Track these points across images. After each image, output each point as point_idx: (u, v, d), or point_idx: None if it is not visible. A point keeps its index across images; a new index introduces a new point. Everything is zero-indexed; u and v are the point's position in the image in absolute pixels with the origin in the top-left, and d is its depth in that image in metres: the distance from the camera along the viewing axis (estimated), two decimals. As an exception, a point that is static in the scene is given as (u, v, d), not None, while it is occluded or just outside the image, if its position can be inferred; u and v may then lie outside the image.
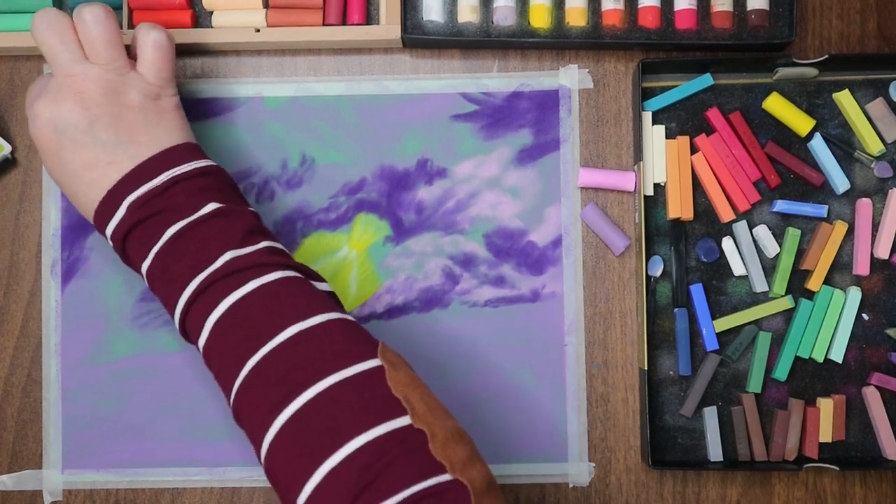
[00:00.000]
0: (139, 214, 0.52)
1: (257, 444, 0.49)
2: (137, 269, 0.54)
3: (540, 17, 0.66)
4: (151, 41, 0.56)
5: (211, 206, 0.53)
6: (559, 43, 0.67)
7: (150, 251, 0.53)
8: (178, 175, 0.53)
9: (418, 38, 0.66)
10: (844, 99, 0.66)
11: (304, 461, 0.46)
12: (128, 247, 0.54)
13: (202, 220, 0.52)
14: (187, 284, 0.51)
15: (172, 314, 0.53)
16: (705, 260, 0.66)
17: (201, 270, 0.51)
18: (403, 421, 0.46)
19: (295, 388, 0.47)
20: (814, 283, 0.66)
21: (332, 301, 0.53)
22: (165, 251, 0.52)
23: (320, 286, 0.54)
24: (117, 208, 0.53)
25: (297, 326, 0.49)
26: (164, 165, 0.53)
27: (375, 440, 0.45)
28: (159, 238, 0.52)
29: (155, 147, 0.54)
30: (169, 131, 0.55)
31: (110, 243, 0.55)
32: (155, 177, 0.53)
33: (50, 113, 0.53)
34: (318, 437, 0.46)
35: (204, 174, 0.54)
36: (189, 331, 0.53)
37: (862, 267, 0.66)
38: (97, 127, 0.53)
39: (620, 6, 0.66)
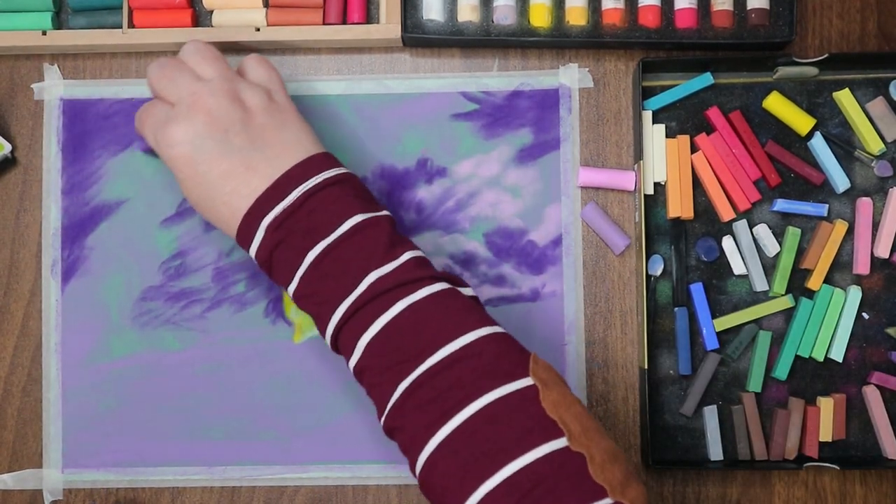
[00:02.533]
0: (278, 236, 0.53)
1: (412, 460, 0.50)
2: (285, 289, 0.55)
3: (540, 16, 0.66)
4: (253, 57, 0.59)
5: (349, 223, 0.52)
6: (559, 42, 0.67)
7: (294, 275, 0.53)
8: (311, 188, 0.53)
9: (418, 38, 0.66)
10: (845, 98, 0.66)
11: (462, 481, 0.47)
12: (273, 269, 0.54)
13: (342, 240, 0.52)
14: (335, 309, 0.52)
15: (323, 334, 0.54)
16: (705, 259, 0.66)
17: (347, 294, 0.51)
18: (561, 443, 0.47)
19: (449, 408, 0.48)
20: (814, 283, 0.65)
21: (479, 311, 0.53)
22: (309, 276, 0.52)
23: (466, 292, 0.54)
24: (256, 230, 0.53)
25: (448, 348, 0.49)
26: (297, 180, 0.53)
27: (534, 463, 0.46)
28: (301, 262, 0.52)
29: (287, 152, 0.54)
30: (297, 136, 0.55)
31: (257, 264, 0.56)
32: (288, 193, 0.53)
33: (184, 133, 0.54)
34: (476, 457, 0.47)
35: (336, 183, 0.54)
36: (341, 350, 0.53)
37: (862, 266, 0.66)
38: (231, 134, 0.54)
39: (621, 5, 0.66)
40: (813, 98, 0.67)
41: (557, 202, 0.67)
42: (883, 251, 0.65)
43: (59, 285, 0.67)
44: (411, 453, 0.50)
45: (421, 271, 0.52)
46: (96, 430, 0.66)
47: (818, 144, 0.66)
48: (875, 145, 0.66)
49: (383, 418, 0.51)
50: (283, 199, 0.53)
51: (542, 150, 0.67)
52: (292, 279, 0.53)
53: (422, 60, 0.68)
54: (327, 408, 0.66)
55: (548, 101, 0.68)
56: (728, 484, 0.66)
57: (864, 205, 0.66)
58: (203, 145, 0.54)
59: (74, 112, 0.68)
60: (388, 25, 0.65)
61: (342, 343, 0.53)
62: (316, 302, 0.53)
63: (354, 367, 0.52)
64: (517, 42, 0.67)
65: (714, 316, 0.66)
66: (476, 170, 0.67)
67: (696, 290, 0.65)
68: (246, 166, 0.54)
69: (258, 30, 0.66)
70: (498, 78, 0.68)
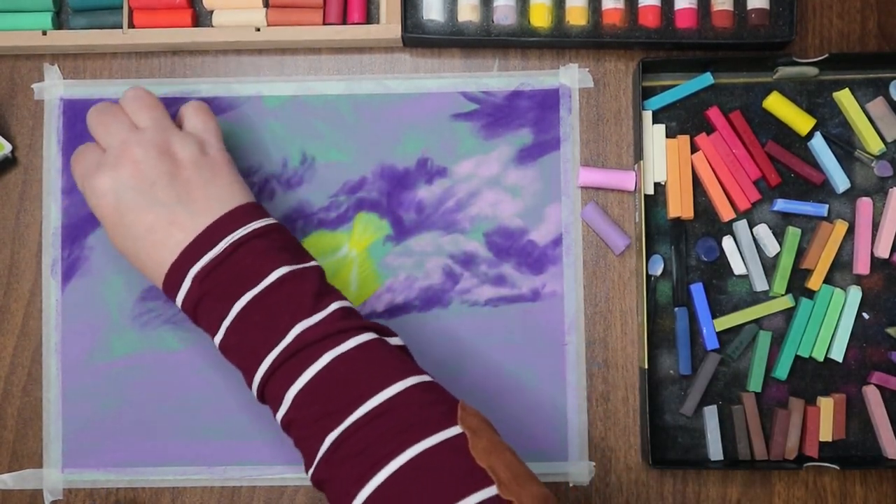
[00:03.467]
0: (205, 286, 0.52)
1: None
2: (211, 338, 0.54)
3: (540, 16, 0.66)
4: (192, 104, 0.59)
5: (276, 274, 0.52)
6: (559, 42, 0.67)
7: (220, 325, 0.53)
8: (239, 239, 0.53)
9: (418, 38, 0.66)
10: (845, 98, 0.66)
11: None
12: (199, 319, 0.54)
13: (270, 290, 0.52)
14: (262, 361, 0.51)
15: (250, 385, 0.53)
16: (705, 259, 0.66)
17: (274, 346, 0.51)
18: (490, 491, 0.46)
19: (378, 460, 0.48)
20: (814, 283, 0.65)
21: (407, 361, 0.53)
22: (236, 326, 0.52)
23: (393, 342, 0.53)
24: (182, 280, 0.53)
25: (376, 398, 0.49)
26: (224, 231, 0.53)
27: None
28: (228, 312, 0.52)
29: (212, 206, 0.54)
30: (225, 190, 0.55)
31: (183, 314, 0.55)
32: (216, 244, 0.53)
33: (111, 182, 0.54)
34: None
35: (263, 234, 0.54)
36: (269, 402, 0.53)
37: (862, 266, 0.66)
38: (156, 188, 0.54)
39: (621, 5, 0.66)
40: (813, 98, 0.67)
41: (557, 202, 0.67)
42: (883, 251, 0.65)
43: (59, 285, 0.67)
44: None
45: (348, 322, 0.52)
46: (96, 430, 0.66)
47: (818, 144, 0.66)
48: (875, 145, 0.66)
49: (311, 470, 0.51)
50: (210, 249, 0.53)
51: (542, 150, 0.67)
52: (219, 329, 0.53)
53: (422, 60, 0.68)
54: (327, 408, 0.66)
55: (548, 101, 0.68)
56: (728, 484, 0.66)
57: (864, 205, 0.66)
58: (126, 196, 0.54)
59: (74, 112, 0.68)
60: (389, 25, 0.65)
61: (269, 394, 0.52)
62: (242, 353, 0.53)
63: (282, 420, 0.52)
64: (517, 42, 0.67)
65: (714, 316, 0.66)
66: (476, 170, 0.67)
67: (697, 290, 0.65)
68: (170, 221, 0.53)
69: (258, 30, 0.66)
70: (498, 78, 0.68)
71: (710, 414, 0.65)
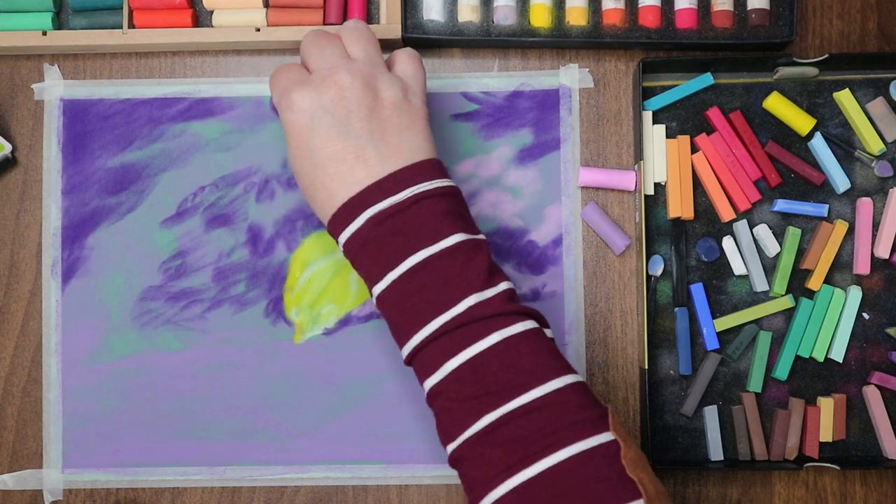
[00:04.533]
0: (378, 231, 0.51)
1: (478, 494, 0.49)
2: (367, 283, 0.53)
3: (540, 17, 0.66)
4: (406, 52, 0.58)
5: (453, 239, 0.51)
6: (559, 42, 0.67)
7: (385, 275, 0.51)
8: (422, 193, 0.52)
9: (419, 38, 0.66)
10: (845, 98, 0.66)
11: None
12: (360, 260, 0.53)
13: (445, 254, 0.51)
14: (426, 323, 0.50)
15: (400, 344, 0.52)
16: (706, 259, 0.66)
17: (442, 312, 0.50)
18: None
19: (532, 454, 0.47)
20: (814, 283, 0.66)
21: (563, 357, 0.52)
22: (404, 281, 0.51)
23: (548, 333, 0.53)
24: (355, 218, 0.52)
25: (538, 391, 0.49)
26: (410, 181, 0.52)
27: None
28: (398, 263, 0.51)
29: (402, 153, 0.53)
30: (417, 141, 0.54)
31: (340, 249, 0.54)
32: (399, 192, 0.51)
33: (311, 102, 0.53)
34: None
35: (446, 195, 0.53)
36: (419, 367, 0.52)
37: (862, 266, 0.66)
38: (353, 118, 0.53)
39: (621, 5, 0.66)
40: (813, 98, 0.67)
41: (558, 202, 0.67)
42: (883, 251, 0.65)
43: (59, 285, 0.67)
44: (477, 488, 0.49)
45: (514, 305, 0.51)
46: (96, 430, 0.66)
47: (818, 145, 0.66)
48: (875, 145, 0.66)
49: (455, 445, 0.50)
50: (393, 195, 0.51)
51: (542, 151, 0.67)
52: (381, 279, 0.52)
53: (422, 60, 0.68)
54: (327, 408, 0.66)
55: (548, 102, 0.68)
56: (728, 484, 0.66)
57: (865, 205, 0.66)
58: (322, 119, 0.53)
59: (74, 112, 0.68)
60: (389, 25, 0.65)
61: (423, 359, 0.51)
62: (403, 310, 0.51)
63: (432, 388, 0.51)
64: (517, 42, 0.67)
65: (714, 316, 0.66)
66: (476, 170, 0.67)
67: (697, 290, 0.65)
68: (357, 155, 0.52)
69: (258, 30, 0.66)
70: (498, 78, 0.68)
71: (711, 414, 0.65)
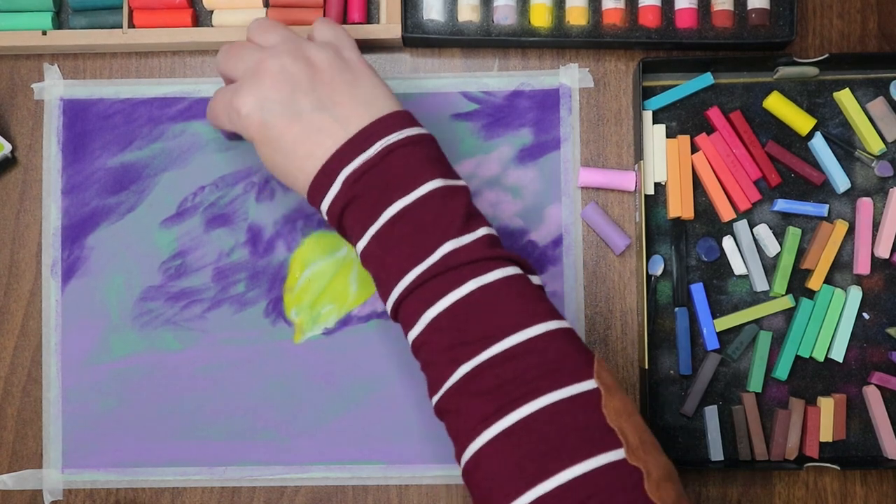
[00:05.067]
0: (355, 189, 0.51)
1: (460, 446, 0.48)
2: (353, 244, 0.53)
3: (540, 16, 0.66)
4: (320, 20, 0.57)
5: (428, 186, 0.50)
6: (560, 42, 0.67)
7: (366, 231, 0.51)
8: (393, 143, 0.51)
9: (419, 37, 0.66)
10: (845, 98, 0.66)
11: (513, 480, 0.46)
12: (344, 223, 0.52)
13: (421, 203, 0.50)
14: (404, 274, 0.50)
15: (384, 299, 0.52)
16: (706, 259, 0.66)
17: (419, 261, 0.49)
18: (618, 454, 0.45)
19: (509, 402, 0.47)
20: (814, 283, 0.65)
21: (547, 303, 0.51)
22: (383, 234, 0.50)
23: (534, 280, 0.52)
24: (332, 183, 0.51)
25: (515, 337, 0.48)
26: (377, 135, 0.51)
27: (591, 473, 0.45)
28: (377, 218, 0.50)
29: (359, 111, 0.52)
30: (371, 96, 0.53)
31: (325, 218, 0.54)
32: (368, 148, 0.51)
33: (253, 99, 0.53)
34: (532, 458, 0.46)
35: (419, 143, 0.52)
36: (401, 320, 0.51)
37: (862, 266, 0.66)
38: (299, 95, 0.52)
39: (621, 5, 0.66)
40: (813, 98, 0.67)
41: (558, 202, 0.67)
42: (883, 251, 0.65)
43: (59, 285, 0.67)
44: (461, 440, 0.48)
45: (494, 250, 0.50)
46: (96, 430, 0.66)
47: (818, 144, 0.66)
48: (875, 145, 0.66)
49: (437, 398, 0.49)
50: (363, 152, 0.51)
51: (542, 151, 0.67)
52: (363, 235, 0.51)
53: (422, 60, 0.68)
54: (327, 408, 0.66)
55: (548, 102, 0.68)
56: (728, 484, 0.66)
57: (865, 205, 0.66)
58: (272, 108, 0.52)
59: (74, 112, 0.68)
60: (389, 25, 0.65)
61: (404, 312, 0.51)
62: (384, 264, 0.51)
63: (414, 340, 0.50)
64: (517, 42, 0.67)
65: (714, 316, 0.66)
66: (476, 170, 0.67)
67: (697, 290, 0.65)
68: (318, 128, 0.52)
69: (258, 30, 0.66)
70: (498, 78, 0.68)
71: (711, 414, 0.65)
